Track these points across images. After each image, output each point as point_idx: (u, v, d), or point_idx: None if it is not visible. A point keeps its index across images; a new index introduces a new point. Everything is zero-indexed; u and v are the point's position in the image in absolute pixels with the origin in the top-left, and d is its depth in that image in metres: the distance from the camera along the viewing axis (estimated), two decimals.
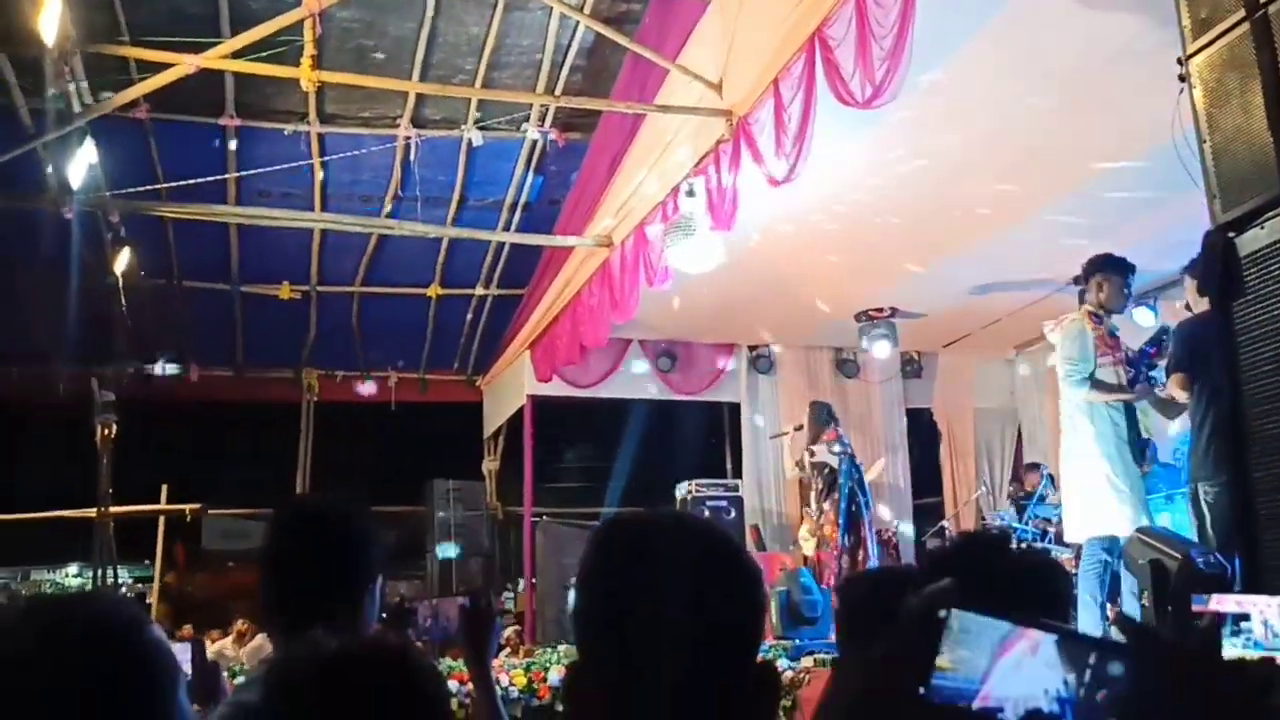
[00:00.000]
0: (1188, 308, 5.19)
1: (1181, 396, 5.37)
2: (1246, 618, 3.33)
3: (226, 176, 9.38)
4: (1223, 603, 3.39)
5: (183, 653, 4.28)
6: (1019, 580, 1.52)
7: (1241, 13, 2.67)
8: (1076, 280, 7.07)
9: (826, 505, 8.67)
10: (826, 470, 9.18)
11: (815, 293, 10.94)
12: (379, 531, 2.16)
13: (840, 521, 8.64)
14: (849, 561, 8.54)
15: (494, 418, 14.16)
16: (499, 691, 6.83)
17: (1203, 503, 4.67)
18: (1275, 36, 2.56)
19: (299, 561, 1.96)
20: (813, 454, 9.60)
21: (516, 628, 11.84)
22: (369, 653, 1.40)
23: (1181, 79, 2.89)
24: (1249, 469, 2.75)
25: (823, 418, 9.64)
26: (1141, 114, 6.46)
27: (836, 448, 9.22)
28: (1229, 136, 2.72)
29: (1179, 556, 4.18)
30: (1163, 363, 6.07)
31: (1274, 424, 2.67)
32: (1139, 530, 4.66)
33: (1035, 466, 11.21)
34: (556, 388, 12.13)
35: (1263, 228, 2.64)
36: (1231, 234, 2.76)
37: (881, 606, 1.55)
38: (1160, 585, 4.23)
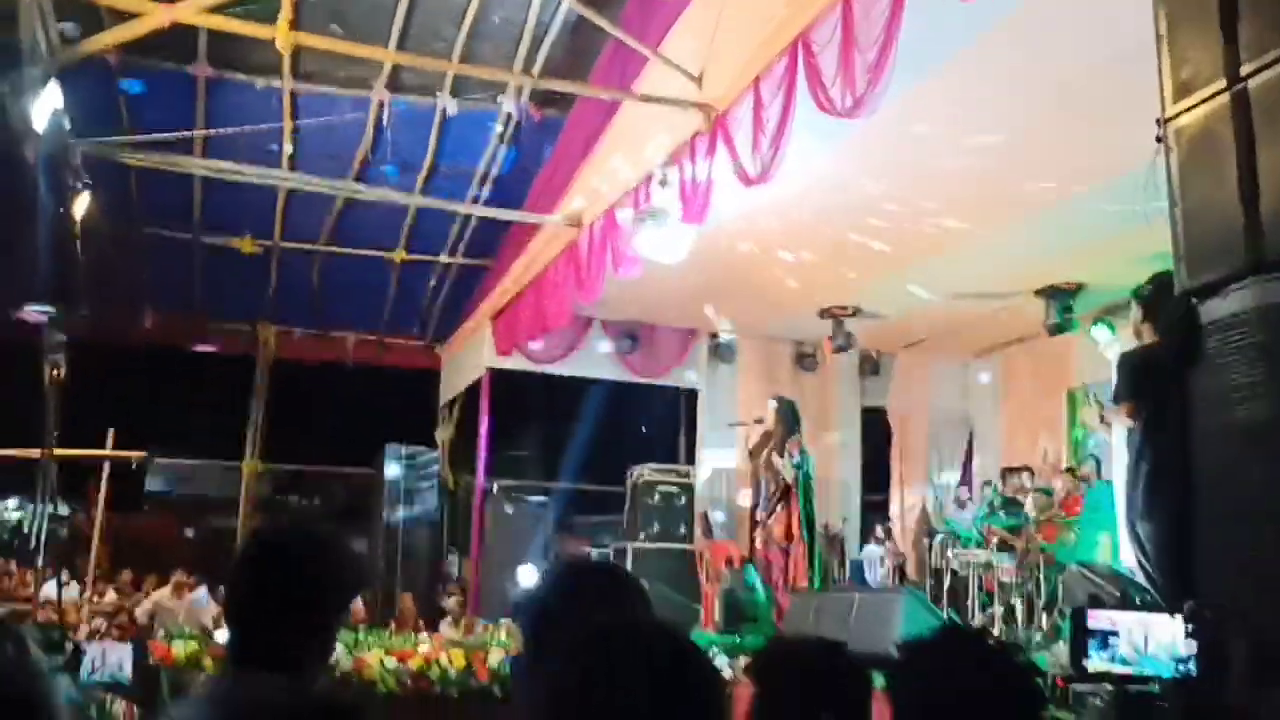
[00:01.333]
0: (1136, 334, 5.21)
1: (1127, 424, 5.44)
2: (1116, 634, 3.40)
3: (194, 133, 9.20)
4: (1096, 618, 3.46)
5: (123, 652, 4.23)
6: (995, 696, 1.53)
7: (1222, 82, 2.69)
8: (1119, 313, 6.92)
9: (779, 507, 8.70)
10: (781, 477, 9.19)
11: (780, 285, 10.96)
12: (351, 559, 2.13)
13: (804, 535, 8.67)
14: (791, 561, 8.60)
15: (451, 386, 14.10)
16: (437, 670, 6.83)
17: (1141, 538, 4.75)
18: (1253, 110, 2.58)
19: (265, 604, 1.91)
20: (770, 464, 9.61)
21: (459, 598, 11.85)
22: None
23: (1159, 139, 2.91)
24: (1196, 540, 2.80)
25: (790, 421, 9.58)
26: (1113, 139, 6.58)
27: (795, 460, 9.21)
28: (1200, 204, 2.75)
29: (1116, 593, 4.24)
30: None
31: (1224, 491, 2.71)
32: (1079, 564, 4.72)
33: (1023, 470, 11.12)
34: (516, 361, 12.12)
35: (1226, 298, 2.68)
36: (1195, 300, 2.79)
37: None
38: None
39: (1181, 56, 2.83)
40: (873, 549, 12.25)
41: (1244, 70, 2.64)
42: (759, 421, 9.54)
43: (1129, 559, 5.03)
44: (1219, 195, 2.68)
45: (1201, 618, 2.97)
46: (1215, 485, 2.74)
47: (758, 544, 9.83)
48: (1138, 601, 4.18)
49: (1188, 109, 2.80)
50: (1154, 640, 3.11)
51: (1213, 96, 2.72)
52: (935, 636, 1.65)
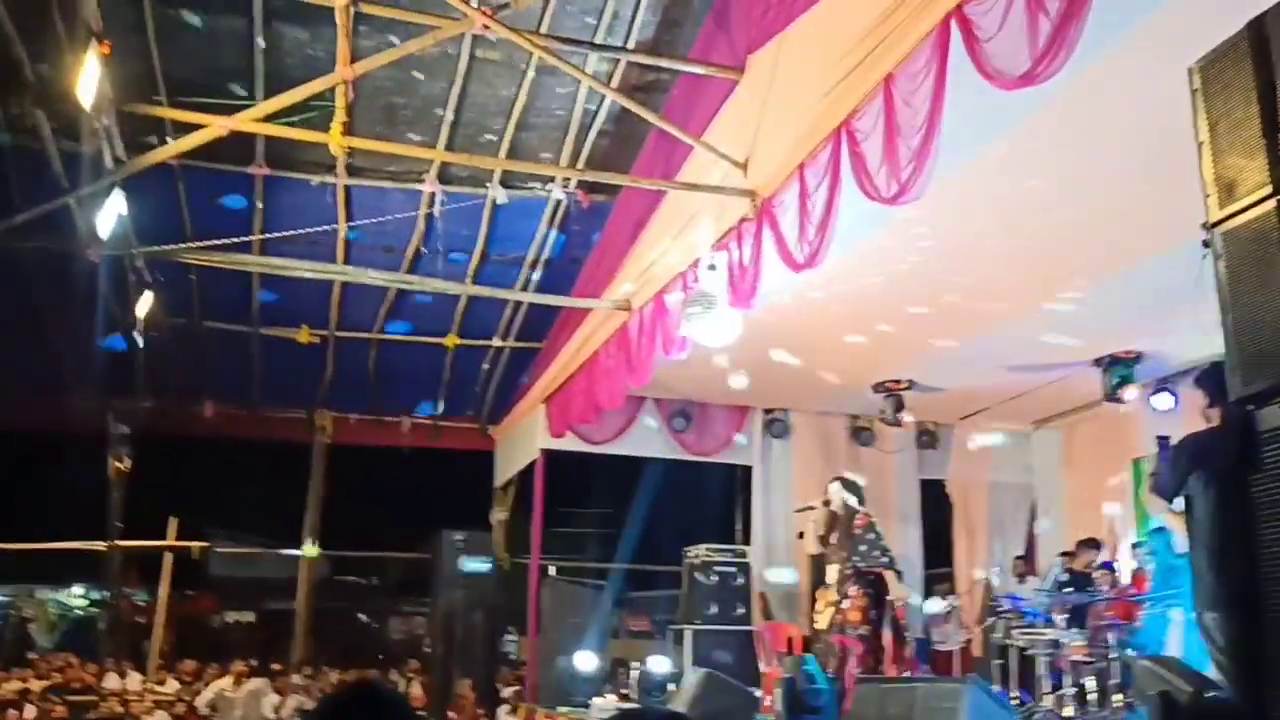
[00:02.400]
0: (1204, 418, 5.08)
1: (1164, 517, 5.27)
2: None
3: (252, 239, 9.45)
4: None
5: None
6: None
7: (1268, 189, 2.67)
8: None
9: (853, 590, 8.45)
10: (853, 560, 8.80)
11: (832, 362, 10.93)
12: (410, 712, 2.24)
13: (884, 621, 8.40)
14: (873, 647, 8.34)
15: (506, 468, 14.14)
16: None
17: (1211, 631, 4.60)
18: None
19: None
20: (842, 545, 9.39)
21: (517, 688, 11.77)
22: None
23: (1206, 244, 2.89)
24: (1264, 643, 2.72)
25: (853, 493, 9.21)
26: (1162, 215, 6.52)
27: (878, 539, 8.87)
28: (1250, 313, 2.71)
29: (1188, 689, 4.11)
30: None
31: None
32: (1150, 658, 4.59)
33: (1094, 544, 10.74)
34: (570, 442, 12.12)
35: None
36: (1251, 407, 2.74)
37: None
38: (1169, 718, 4.17)
39: (1225, 161, 2.81)
40: (936, 605, 11.89)
41: None
42: (826, 504, 9.22)
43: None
44: (1269, 303, 2.64)
45: None
46: (1275, 595, 2.66)
47: (821, 623, 9.60)
48: (1209, 698, 4.05)
49: (1233, 214, 2.78)
50: None
51: (1259, 203, 2.69)
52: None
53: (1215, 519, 4.66)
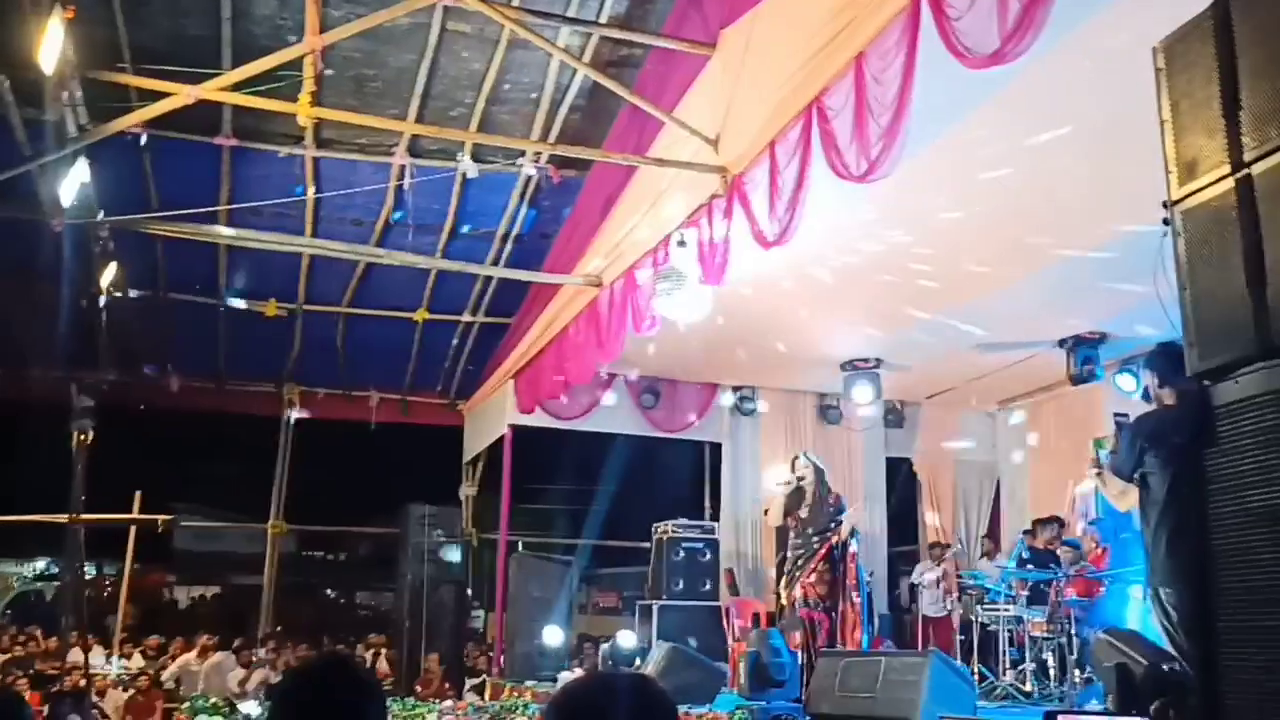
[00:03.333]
0: (1156, 400, 5.13)
1: (1124, 502, 5.34)
2: None
3: (218, 209, 9.34)
4: None
5: None
6: None
7: (1227, 168, 2.71)
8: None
9: (822, 565, 8.47)
10: (824, 534, 8.78)
11: (801, 340, 10.98)
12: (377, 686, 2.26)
13: (861, 603, 8.43)
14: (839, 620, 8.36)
15: (474, 444, 14.14)
16: None
17: (1166, 605, 4.68)
18: (1258, 196, 2.59)
19: None
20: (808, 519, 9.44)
21: (484, 662, 11.81)
22: None
23: (1165, 222, 2.92)
24: (1217, 616, 2.78)
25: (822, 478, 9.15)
26: (1126, 196, 6.58)
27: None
28: (1208, 289, 2.75)
29: (1145, 663, 4.19)
30: None
31: (1240, 575, 2.69)
32: (1107, 631, 4.67)
33: (1056, 522, 10.78)
34: (538, 418, 12.14)
35: (1237, 381, 2.67)
36: (1207, 382, 2.79)
37: None
38: (1125, 690, 4.25)
39: (1185, 140, 2.84)
40: (930, 572, 11.96)
41: (1247, 156, 2.65)
42: (801, 479, 9.21)
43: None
44: (1226, 280, 2.69)
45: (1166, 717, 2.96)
46: (1231, 567, 2.72)
47: (795, 603, 9.66)
48: (1165, 669, 4.13)
49: (1193, 193, 2.81)
50: None
51: (1218, 181, 2.73)
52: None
53: (1170, 496, 4.73)
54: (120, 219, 8.15)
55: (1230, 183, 2.69)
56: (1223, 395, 2.73)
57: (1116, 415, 6.36)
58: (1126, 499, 5.12)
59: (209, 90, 6.77)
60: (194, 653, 12.32)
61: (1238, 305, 2.64)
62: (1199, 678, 3.65)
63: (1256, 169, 2.60)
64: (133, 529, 15.09)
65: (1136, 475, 4.92)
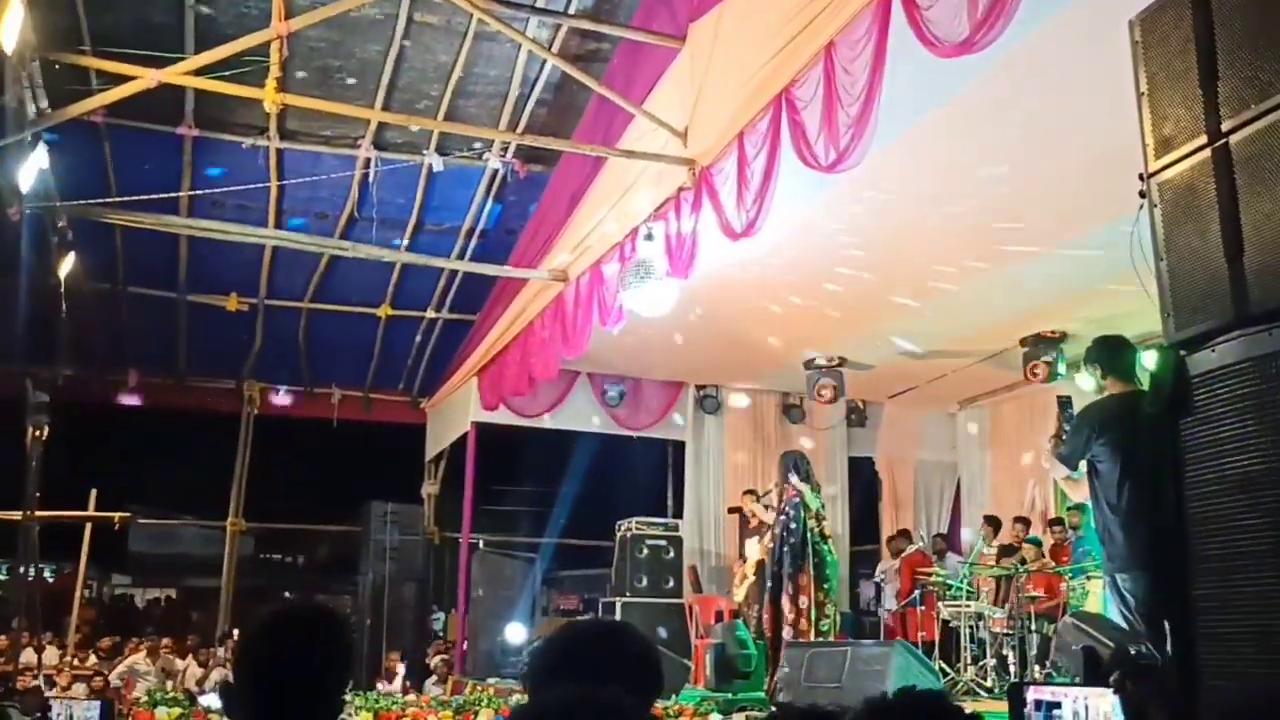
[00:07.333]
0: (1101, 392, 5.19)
1: (1079, 496, 5.40)
2: (1058, 705, 3.42)
3: (180, 194, 9.22)
4: (1040, 692, 3.48)
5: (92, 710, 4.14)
6: None
7: (1204, 138, 2.73)
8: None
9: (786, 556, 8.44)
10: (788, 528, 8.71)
11: (765, 338, 11.00)
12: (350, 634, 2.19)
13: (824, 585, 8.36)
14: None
15: (437, 441, 14.03)
16: None
17: (1123, 590, 4.73)
18: (1235, 165, 2.62)
19: (277, 680, 1.94)
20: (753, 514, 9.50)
21: (445, 657, 11.71)
22: None
23: (1142, 195, 2.95)
24: (1194, 585, 2.80)
25: (783, 470, 9.11)
26: (1094, 189, 6.66)
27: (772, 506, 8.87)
28: (1185, 258, 2.78)
29: (1112, 645, 4.21)
30: None
31: (1216, 543, 2.72)
32: (1073, 615, 4.70)
33: (1019, 520, 10.95)
34: (502, 415, 12.07)
35: (1213, 351, 2.70)
36: (1183, 352, 2.81)
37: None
38: (1092, 673, 4.27)
39: (1163, 113, 2.87)
40: (890, 564, 12.02)
41: (1224, 126, 2.68)
42: (776, 484, 9.15)
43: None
44: (1203, 249, 2.71)
45: (1124, 687, 2.98)
46: (1208, 536, 2.74)
47: (740, 596, 9.66)
48: (1131, 652, 4.15)
49: (1170, 164, 2.84)
50: (1094, 711, 3.11)
51: (1195, 152, 2.76)
52: (898, 699, 1.69)
53: (1122, 482, 4.78)
54: (80, 204, 8.01)
55: (1207, 153, 2.71)
56: (1199, 364, 2.75)
57: (1060, 398, 6.43)
58: (1079, 488, 5.18)
59: (172, 74, 6.68)
60: (141, 654, 12.15)
61: (1215, 274, 2.67)
62: (1175, 650, 3.68)
63: (1234, 139, 2.63)
64: (88, 528, 14.83)
65: (1086, 462, 4.99)
